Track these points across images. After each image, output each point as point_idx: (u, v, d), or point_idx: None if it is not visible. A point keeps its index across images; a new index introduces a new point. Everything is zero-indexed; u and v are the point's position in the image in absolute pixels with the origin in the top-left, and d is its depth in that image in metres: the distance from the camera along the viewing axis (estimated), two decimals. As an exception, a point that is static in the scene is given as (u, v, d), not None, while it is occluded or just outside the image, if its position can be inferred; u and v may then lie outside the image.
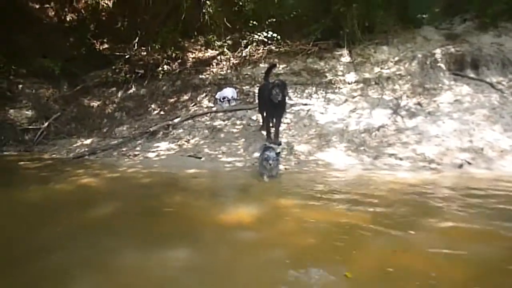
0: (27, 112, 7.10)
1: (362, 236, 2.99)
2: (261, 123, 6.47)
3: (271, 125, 6.04)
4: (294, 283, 2.32)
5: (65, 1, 8.79)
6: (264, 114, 6.22)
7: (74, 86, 7.64)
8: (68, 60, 7.78)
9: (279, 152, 4.88)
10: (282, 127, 6.37)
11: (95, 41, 8.44)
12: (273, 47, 8.60)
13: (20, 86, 7.40)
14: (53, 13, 8.78)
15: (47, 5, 8.78)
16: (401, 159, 5.60)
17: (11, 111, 7.07)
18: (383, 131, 6.36)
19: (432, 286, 2.32)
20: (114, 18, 8.58)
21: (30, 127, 6.86)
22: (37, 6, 8.62)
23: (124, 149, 6.09)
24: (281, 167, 5.03)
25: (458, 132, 6.19)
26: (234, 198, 4.01)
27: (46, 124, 6.86)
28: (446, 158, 5.58)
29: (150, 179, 4.72)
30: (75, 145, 6.50)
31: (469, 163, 5.50)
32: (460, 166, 5.41)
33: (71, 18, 8.78)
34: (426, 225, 3.31)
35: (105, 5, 8.68)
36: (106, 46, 8.52)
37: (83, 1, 8.83)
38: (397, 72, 7.87)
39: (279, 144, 5.91)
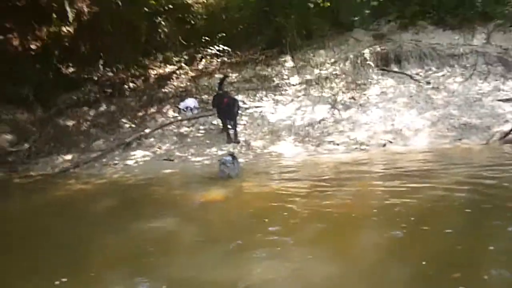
0: (7, 136, 7.91)
1: (300, 198, 4.30)
2: (221, 127, 7.69)
3: (229, 127, 7.31)
4: (252, 227, 3.56)
5: (28, 30, 9.57)
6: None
7: (48, 109, 8.49)
8: (38, 85, 8.63)
9: (235, 157, 5.60)
10: (240, 127, 7.62)
11: (61, 66, 9.32)
12: (225, 59, 9.85)
13: (-4, 113, 8.22)
14: (17, 42, 9.54)
15: (10, 35, 9.52)
16: (337, 144, 7.00)
17: (-8, 136, 7.89)
18: (323, 123, 7.76)
19: (349, 220, 3.61)
20: (76, 43, 9.47)
21: (12, 149, 7.70)
22: (1, 37, 9.36)
23: (104, 160, 7.10)
24: (241, 162, 6.22)
25: (383, 118, 7.70)
26: (205, 185, 5.20)
27: (27, 145, 7.72)
28: (373, 140, 7.04)
29: (133, 180, 5.83)
30: (57, 162, 7.40)
31: (391, 142, 7.00)
32: (384, 145, 6.88)
33: (35, 46, 9.59)
34: (350, 184, 4.66)
35: (66, 31, 9.55)
36: (72, 69, 9.42)
37: (45, 30, 9.65)
38: (334, 72, 9.33)
39: (238, 142, 7.16)
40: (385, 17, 10.80)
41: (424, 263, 2.45)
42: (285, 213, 3.75)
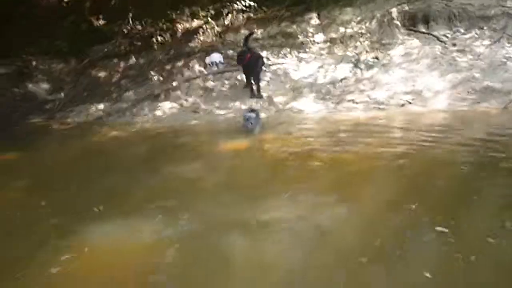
0: (44, 86, 8.48)
1: (317, 150, 4.67)
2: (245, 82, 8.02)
3: (253, 83, 7.63)
4: (270, 173, 3.98)
5: (59, -19, 9.91)
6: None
7: (81, 60, 8.99)
8: (71, 37, 9.07)
9: (258, 113, 5.95)
10: (263, 83, 7.92)
11: (92, 18, 9.69)
12: (251, 14, 9.96)
13: (34, 63, 8.74)
14: (50, -5, 9.92)
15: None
16: (357, 103, 7.23)
17: (30, 85, 8.46)
18: (345, 82, 7.96)
19: (359, 169, 3.98)
20: (106, -3, 9.81)
21: (49, 98, 8.28)
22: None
23: (134, 110, 7.60)
24: (263, 117, 6.58)
25: (404, 79, 7.82)
26: (229, 136, 5.63)
27: (62, 94, 8.27)
28: (392, 100, 7.23)
29: (163, 129, 6.31)
30: (90, 110, 7.94)
31: (410, 103, 7.18)
32: (402, 105, 7.08)
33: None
34: (363, 139, 4.99)
35: (97, -17, 9.84)
36: (102, 22, 9.78)
37: (76, -19, 9.96)
38: (359, 31, 9.35)
39: (261, 97, 7.51)
40: (416, -27, 10.57)
41: (413, 206, 2.85)
42: (301, 162, 4.15)
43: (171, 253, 2.59)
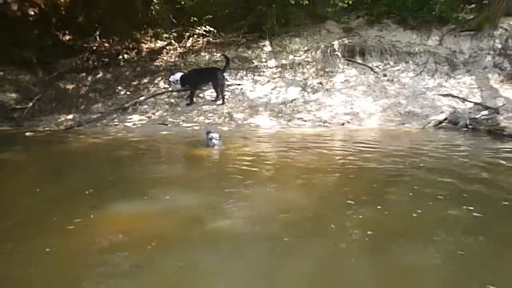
0: (11, 95, 8.99)
1: (272, 156, 5.89)
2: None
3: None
4: (232, 173, 5.09)
5: (26, -4, 10.46)
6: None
7: (49, 72, 9.60)
8: (39, 49, 9.66)
9: (220, 136, 6.43)
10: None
11: (58, 33, 10.35)
12: (211, 39, 11.19)
13: (1, 73, 9.25)
14: (15, 7, 10.40)
15: (9, 0, 10.39)
16: (305, 120, 8.64)
17: (-3, 94, 8.97)
18: (294, 102, 9.37)
19: (309, 169, 5.23)
20: (72, 13, 10.50)
21: (17, 107, 8.81)
22: (1, 1, 10.22)
23: (104, 121, 8.40)
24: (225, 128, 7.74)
25: (344, 102, 9.40)
26: (196, 145, 6.67)
27: (31, 104, 8.85)
28: (334, 120, 8.73)
29: (136, 137, 7.20)
30: (59, 120, 8.61)
31: (348, 122, 8.71)
32: (343, 124, 8.58)
33: (33, 12, 10.50)
34: (312, 149, 6.29)
35: (63, 0, 10.53)
36: (68, 37, 10.48)
37: (42, -3, 10.57)
38: (306, 59, 10.92)
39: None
40: (356, 12, 12.46)
41: (348, 189, 4.14)
42: (259, 165, 5.31)
43: (155, 219, 3.57)
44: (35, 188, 4.61)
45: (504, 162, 5.19)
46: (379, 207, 3.58)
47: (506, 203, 3.63)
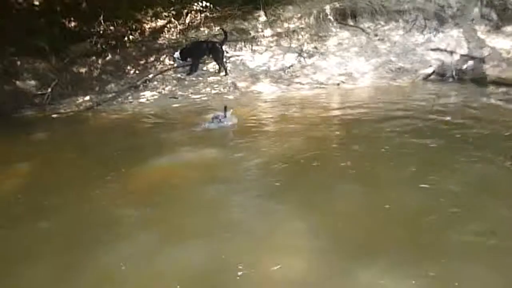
0: (31, 82, 9.85)
1: (275, 115, 6.82)
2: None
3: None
4: (241, 131, 6.03)
5: (30, -14, 11.18)
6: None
7: (61, 59, 10.43)
8: (50, 38, 10.45)
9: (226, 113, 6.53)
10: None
11: (64, 21, 11.10)
12: (208, 14, 11.91)
13: (18, 62, 10.09)
14: (21, -2, 11.15)
15: (13, -9, 11.11)
16: (303, 84, 9.50)
17: (18, 82, 9.82)
18: (292, 68, 10.19)
19: (306, 123, 6.16)
20: (76, 1, 11.27)
21: (38, 93, 9.70)
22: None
23: (119, 99, 9.30)
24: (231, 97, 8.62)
25: (338, 64, 10.22)
26: (209, 110, 7.59)
27: (49, 89, 9.72)
28: (330, 81, 9.58)
29: (153, 112, 8.12)
30: (78, 102, 9.48)
31: (343, 82, 9.57)
32: (338, 84, 9.45)
33: (38, 2, 11.25)
34: (310, 107, 7.21)
35: (65, -12, 11.25)
36: (74, 24, 11.24)
37: (45, -14, 11.27)
38: (300, 26, 11.63)
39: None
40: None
41: (342, 134, 5.09)
42: (263, 121, 6.28)
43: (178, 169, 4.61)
44: (73, 156, 5.62)
45: (471, 104, 6.17)
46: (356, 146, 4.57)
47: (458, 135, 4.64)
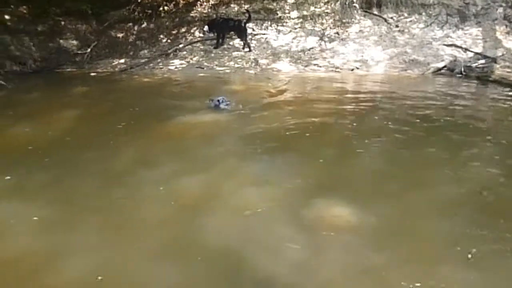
0: (73, 42, 11.06)
1: (289, 92, 7.81)
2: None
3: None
4: (257, 99, 7.03)
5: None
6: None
7: (101, 22, 11.58)
8: (91, 2, 11.59)
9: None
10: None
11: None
12: (239, -9, 12.83)
13: (62, 23, 11.28)
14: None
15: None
16: (320, 66, 10.39)
17: (61, 41, 11.03)
18: (312, 51, 11.07)
19: (317, 102, 7.12)
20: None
21: (79, 52, 10.91)
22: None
23: (151, 65, 10.42)
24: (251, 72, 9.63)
25: (356, 50, 11.03)
26: (230, 82, 8.63)
27: (89, 49, 10.91)
28: (346, 66, 10.44)
29: (180, 79, 9.21)
30: (113, 64, 10.66)
31: (358, 68, 10.41)
32: (352, 69, 10.30)
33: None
34: (323, 88, 8.16)
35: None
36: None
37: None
38: (325, 10, 12.41)
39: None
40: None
41: (347, 111, 6.07)
42: (279, 97, 7.28)
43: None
44: (109, 110, 6.77)
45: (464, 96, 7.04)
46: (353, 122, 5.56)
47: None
